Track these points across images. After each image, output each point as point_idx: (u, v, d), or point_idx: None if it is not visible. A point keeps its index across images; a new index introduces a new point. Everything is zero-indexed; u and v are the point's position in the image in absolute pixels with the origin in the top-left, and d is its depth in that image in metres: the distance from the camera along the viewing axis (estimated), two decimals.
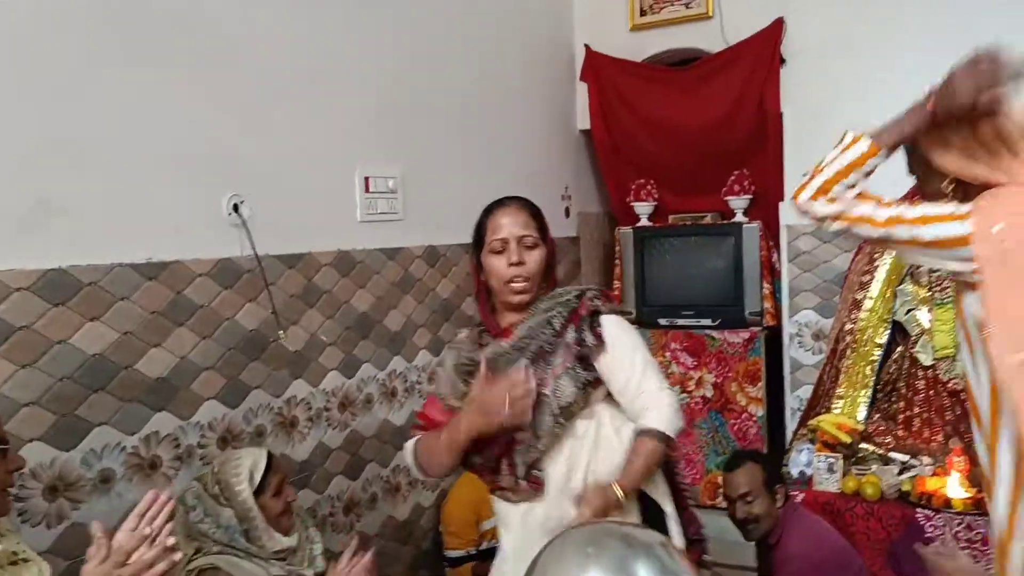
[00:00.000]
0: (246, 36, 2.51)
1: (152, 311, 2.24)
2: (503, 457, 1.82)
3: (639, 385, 1.78)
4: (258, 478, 2.02)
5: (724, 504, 3.35)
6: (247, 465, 2.03)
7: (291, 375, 2.65)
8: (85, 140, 2.10)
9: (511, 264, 1.81)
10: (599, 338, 1.80)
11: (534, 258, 1.84)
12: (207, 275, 2.39)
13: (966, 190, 1.57)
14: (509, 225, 1.83)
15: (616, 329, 1.83)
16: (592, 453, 1.80)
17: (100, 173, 2.13)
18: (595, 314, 1.82)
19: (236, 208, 2.46)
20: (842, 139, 1.65)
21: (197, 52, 2.37)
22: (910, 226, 1.52)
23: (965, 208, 1.48)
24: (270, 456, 2.11)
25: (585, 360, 1.79)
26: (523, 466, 1.80)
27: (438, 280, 3.27)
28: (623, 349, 1.80)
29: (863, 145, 1.60)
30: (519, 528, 1.84)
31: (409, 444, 1.92)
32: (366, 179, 2.94)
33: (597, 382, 1.81)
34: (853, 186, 1.59)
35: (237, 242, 2.48)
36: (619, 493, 1.69)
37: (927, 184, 1.68)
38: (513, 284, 1.82)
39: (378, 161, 3.00)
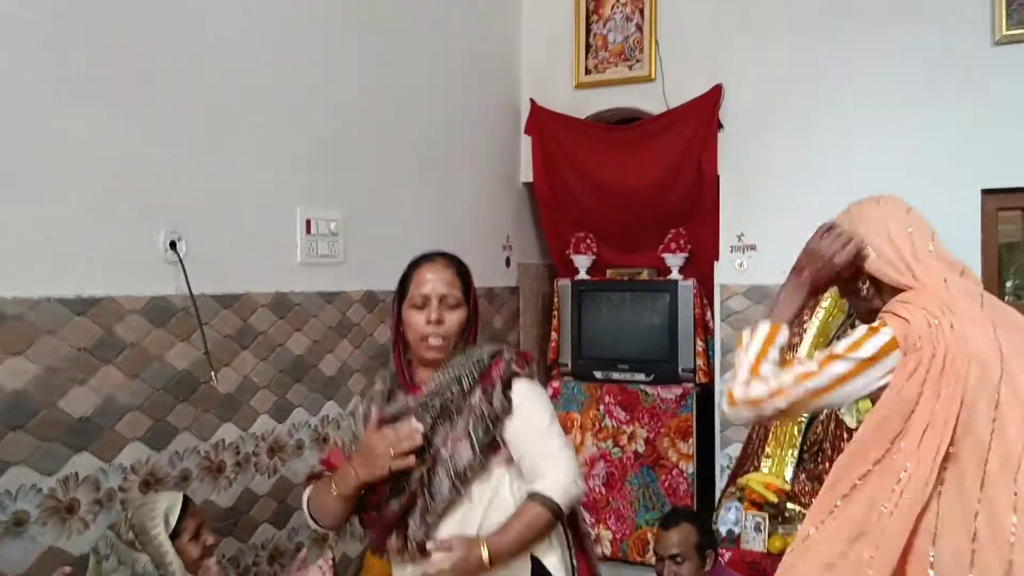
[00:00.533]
0: (190, 72, 2.49)
1: (79, 347, 2.17)
2: (399, 519, 1.74)
3: (541, 449, 1.73)
4: (174, 521, 1.96)
5: (653, 560, 3.36)
6: (162, 508, 1.97)
7: (220, 418, 2.58)
8: (17, 169, 2.04)
9: (429, 322, 1.77)
10: (509, 401, 1.75)
11: (454, 319, 1.79)
12: (139, 312, 2.33)
13: (879, 286, 1.71)
14: (433, 282, 1.79)
15: (528, 393, 1.78)
16: (485, 517, 1.73)
17: (31, 203, 2.07)
18: (511, 377, 1.78)
19: (173, 245, 2.42)
20: (749, 331, 1.72)
21: (139, 86, 2.34)
22: (845, 357, 1.59)
23: (876, 322, 1.61)
24: (186, 499, 2.06)
25: (490, 423, 1.73)
26: (418, 529, 1.71)
27: (376, 325, 3.25)
28: (530, 413, 1.76)
29: (764, 328, 1.69)
30: None
31: (306, 493, 1.85)
32: (308, 221, 2.92)
33: (497, 447, 1.75)
34: (776, 361, 1.66)
35: (172, 280, 2.43)
36: (484, 552, 1.63)
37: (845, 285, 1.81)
38: (429, 342, 1.78)
39: (321, 203, 2.98)
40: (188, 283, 2.43)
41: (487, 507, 1.74)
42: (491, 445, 1.74)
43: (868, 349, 1.58)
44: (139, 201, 2.34)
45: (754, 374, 1.64)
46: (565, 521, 1.84)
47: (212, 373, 2.49)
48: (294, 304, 2.87)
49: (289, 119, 2.85)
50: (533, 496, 1.69)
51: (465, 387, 1.76)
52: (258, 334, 2.72)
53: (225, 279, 2.60)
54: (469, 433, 1.72)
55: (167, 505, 1.99)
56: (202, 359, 2.48)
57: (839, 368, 1.60)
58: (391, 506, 1.73)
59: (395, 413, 1.77)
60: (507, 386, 1.77)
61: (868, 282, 1.73)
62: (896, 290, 1.67)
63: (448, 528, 1.72)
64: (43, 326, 2.09)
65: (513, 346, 1.88)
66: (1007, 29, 3.28)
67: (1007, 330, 1.60)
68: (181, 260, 2.43)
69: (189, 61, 2.49)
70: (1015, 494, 1.50)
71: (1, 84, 2.01)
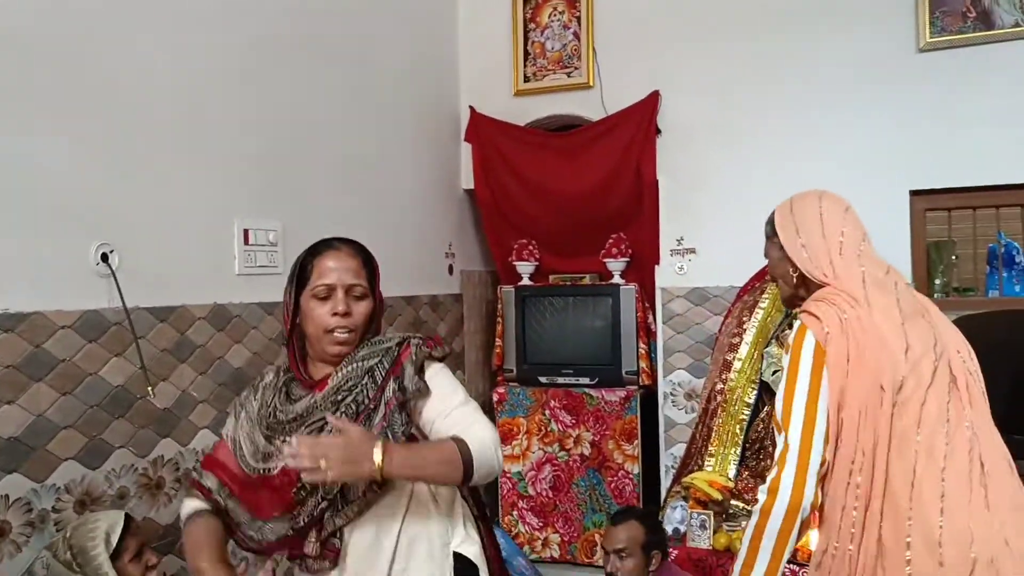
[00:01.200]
0: (122, 80, 2.44)
1: (7, 365, 2.10)
2: (313, 525, 1.64)
3: (462, 422, 1.64)
4: (115, 541, 1.91)
5: (601, 562, 3.38)
6: (103, 528, 1.92)
7: (159, 434, 2.52)
8: None
9: (335, 314, 1.66)
10: (425, 383, 1.68)
11: (361, 310, 1.70)
12: (70, 327, 2.26)
13: (804, 278, 1.85)
14: (339, 271, 1.69)
15: (441, 373, 1.72)
16: (405, 517, 1.68)
17: None
18: (423, 360, 1.71)
19: (105, 258, 2.35)
20: None
21: (69, 94, 2.28)
22: (797, 381, 1.70)
23: (794, 329, 1.76)
24: (128, 518, 2.00)
25: (407, 414, 1.66)
26: (325, 533, 1.64)
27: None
28: (447, 391, 1.70)
29: None
30: None
31: (183, 513, 1.73)
32: (245, 231, 2.88)
33: (415, 439, 1.68)
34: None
35: (105, 293, 2.36)
36: (378, 456, 1.47)
37: (776, 269, 1.94)
38: (336, 334, 1.67)
39: (259, 213, 2.94)
40: (122, 296, 2.37)
41: (405, 507, 1.69)
42: (409, 439, 1.66)
43: (805, 362, 1.69)
44: (68, 214, 2.28)
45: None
46: (472, 500, 1.86)
47: (149, 388, 2.43)
48: (233, 316, 2.82)
49: (225, 130, 2.80)
50: (451, 438, 1.60)
51: (378, 379, 1.66)
52: (196, 347, 2.66)
53: (161, 291, 2.54)
54: (385, 429, 1.62)
55: (108, 524, 1.93)
56: (138, 374, 2.42)
57: (801, 390, 1.68)
58: (305, 509, 1.63)
59: (301, 412, 1.67)
60: (420, 369, 1.69)
61: (796, 272, 1.85)
62: (817, 285, 1.80)
63: (363, 534, 1.65)
64: None
65: (436, 344, 1.81)
66: (930, 37, 3.40)
67: (916, 323, 1.71)
68: (114, 273, 2.37)
69: (121, 74, 2.43)
70: (913, 473, 1.62)
71: None
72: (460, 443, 1.59)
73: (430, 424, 1.68)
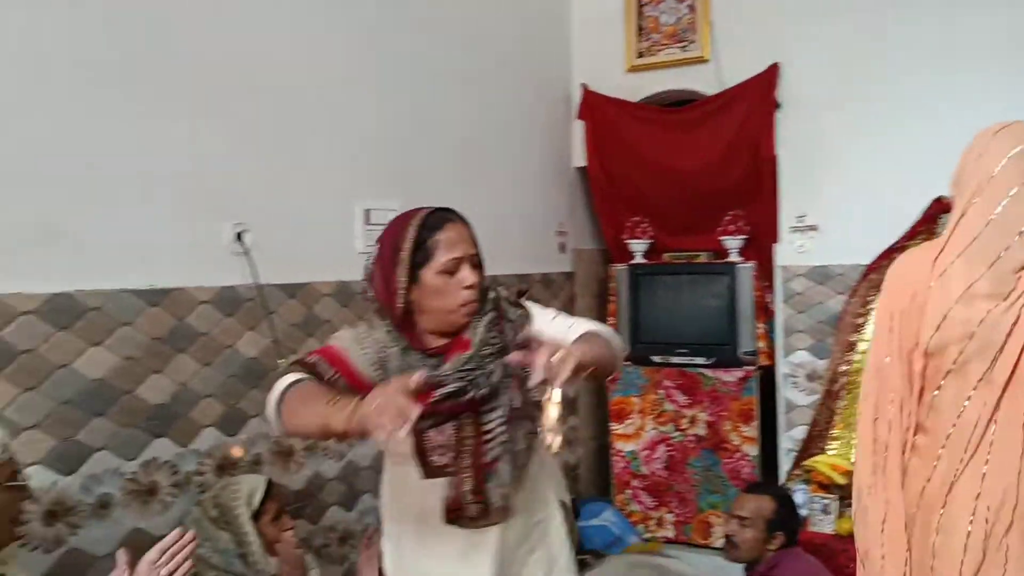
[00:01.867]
0: (253, 70, 2.55)
1: (154, 337, 2.25)
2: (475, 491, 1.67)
3: (562, 321, 1.73)
4: (256, 502, 2.02)
5: (718, 542, 3.34)
6: (246, 490, 2.04)
7: None
8: (90, 165, 2.12)
9: (467, 287, 1.65)
10: (525, 310, 1.74)
11: (479, 277, 1.69)
12: (209, 303, 2.40)
13: None
14: (463, 243, 1.67)
15: (534, 305, 1.80)
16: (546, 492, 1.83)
17: (105, 198, 2.15)
18: (513, 301, 1.77)
19: (239, 236, 2.48)
20: None
21: (205, 83, 2.41)
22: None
23: None
24: (269, 483, 2.12)
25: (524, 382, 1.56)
26: (497, 490, 1.67)
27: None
28: (540, 311, 1.78)
29: None
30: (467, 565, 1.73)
31: (281, 383, 1.61)
32: (367, 211, 2.96)
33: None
34: None
35: (239, 270, 2.49)
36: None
37: None
38: (468, 307, 1.66)
39: (379, 194, 3.02)
40: (255, 273, 2.49)
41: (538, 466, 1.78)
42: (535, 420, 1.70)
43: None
44: (207, 195, 2.41)
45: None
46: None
47: (280, 360, 2.54)
48: (355, 292, 2.91)
49: (346, 114, 2.89)
50: (589, 332, 1.65)
51: (506, 333, 1.69)
52: (322, 322, 2.77)
53: (290, 269, 2.66)
54: (516, 414, 1.66)
55: (251, 487, 2.05)
56: (270, 347, 2.55)
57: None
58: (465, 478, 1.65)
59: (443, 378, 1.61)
60: (517, 304, 1.76)
61: None
62: None
63: (518, 503, 1.72)
64: (119, 317, 2.17)
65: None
66: None
67: (982, 301, 1.54)
68: (248, 251, 2.49)
69: (255, 62, 2.55)
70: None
71: (76, 78, 2.09)
72: (602, 332, 1.69)
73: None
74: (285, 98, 2.66)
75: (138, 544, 2.11)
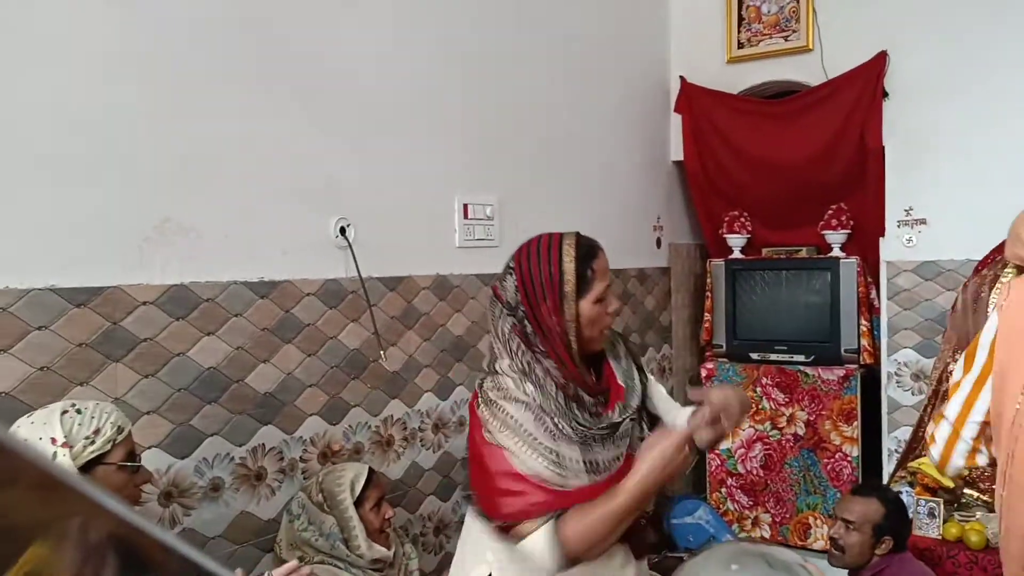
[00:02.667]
0: (355, 71, 2.63)
1: (263, 328, 2.35)
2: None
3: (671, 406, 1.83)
4: (359, 489, 2.09)
5: (816, 544, 3.27)
6: (349, 477, 2.11)
7: (388, 395, 2.72)
8: (207, 162, 2.22)
9: (610, 313, 1.67)
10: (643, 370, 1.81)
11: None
12: (314, 295, 2.49)
13: None
14: (608, 271, 1.70)
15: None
16: None
17: (219, 194, 2.25)
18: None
19: (343, 231, 2.56)
20: None
21: (311, 85, 2.49)
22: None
23: None
24: (371, 471, 2.18)
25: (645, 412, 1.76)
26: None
27: None
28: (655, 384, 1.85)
29: None
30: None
31: (543, 537, 1.48)
32: (464, 206, 3.01)
33: None
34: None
35: (343, 264, 2.57)
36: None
37: None
38: (607, 331, 1.70)
39: (476, 189, 3.07)
40: (357, 267, 2.57)
41: None
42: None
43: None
44: (313, 192, 2.50)
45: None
46: None
47: (381, 352, 2.62)
48: (453, 286, 2.97)
49: (443, 111, 2.94)
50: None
51: (638, 379, 1.76)
52: (421, 315, 2.83)
53: (390, 263, 2.73)
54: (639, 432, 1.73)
55: (354, 474, 2.12)
56: (371, 339, 2.62)
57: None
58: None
59: (615, 419, 1.65)
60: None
61: None
62: None
63: None
64: (231, 308, 2.27)
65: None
66: None
67: None
68: (351, 245, 2.57)
69: (358, 64, 2.63)
70: None
71: (197, 79, 2.19)
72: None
73: (657, 403, 1.82)
74: (385, 97, 2.72)
75: (246, 526, 2.23)
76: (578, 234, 1.70)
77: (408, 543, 2.29)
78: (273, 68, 2.38)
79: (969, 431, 1.66)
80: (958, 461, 1.69)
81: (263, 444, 2.33)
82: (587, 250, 1.68)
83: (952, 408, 1.70)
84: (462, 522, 2.93)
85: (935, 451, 1.72)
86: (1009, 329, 1.59)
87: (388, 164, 2.73)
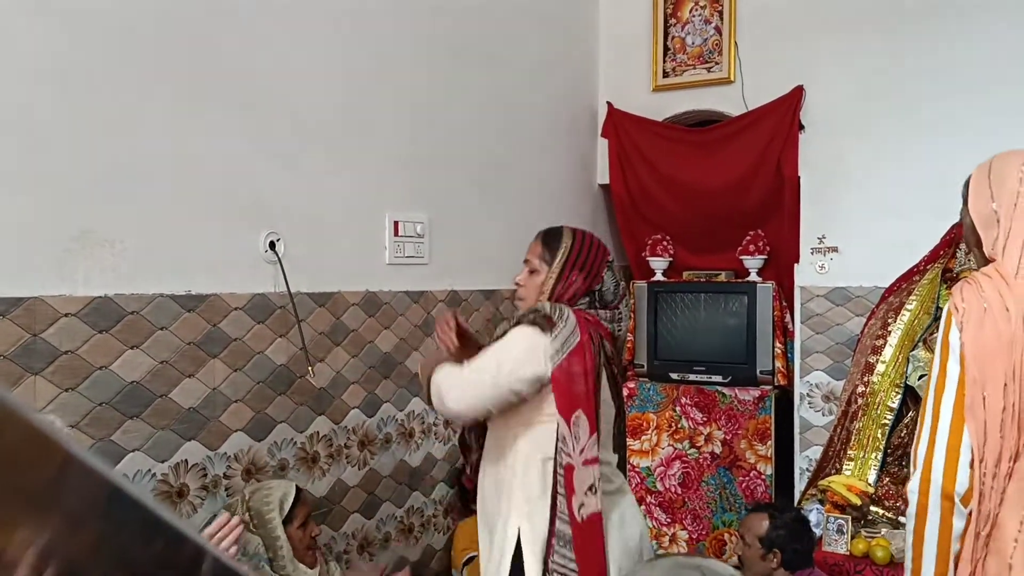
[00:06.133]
0: (289, 87, 2.62)
1: (189, 342, 2.31)
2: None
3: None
4: (287, 508, 2.07)
5: (731, 560, 3.37)
6: (277, 495, 2.08)
7: (315, 411, 2.70)
8: (133, 174, 2.18)
9: (515, 282, 2.16)
10: (501, 331, 2.08)
11: (531, 280, 2.11)
12: (242, 309, 2.46)
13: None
14: (528, 251, 2.15)
15: (516, 332, 1.99)
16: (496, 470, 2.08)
17: (146, 206, 2.22)
18: (518, 322, 2.00)
19: (272, 246, 2.54)
20: None
21: (243, 99, 2.48)
22: (947, 359, 1.60)
23: (944, 319, 1.63)
24: (298, 489, 2.16)
25: None
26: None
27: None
28: (499, 341, 2.02)
29: None
30: None
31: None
32: (395, 223, 3.02)
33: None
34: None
35: (271, 279, 2.55)
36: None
37: (969, 237, 1.79)
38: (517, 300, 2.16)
39: (407, 206, 3.09)
40: (287, 281, 2.55)
41: (495, 463, 2.05)
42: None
43: (939, 337, 1.61)
44: (243, 205, 2.48)
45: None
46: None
47: (308, 368, 2.61)
48: (383, 303, 2.97)
49: (376, 128, 2.96)
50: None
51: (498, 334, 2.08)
52: (350, 331, 2.83)
53: (319, 278, 2.72)
54: None
55: (282, 493, 2.10)
56: (299, 354, 2.60)
57: (934, 373, 1.61)
58: None
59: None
60: (516, 323, 2.02)
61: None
62: (986, 259, 1.66)
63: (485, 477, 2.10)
64: (157, 322, 2.23)
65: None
66: None
67: None
68: (280, 260, 2.55)
69: (286, 79, 2.62)
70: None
71: (121, 89, 2.15)
72: (443, 371, 2.01)
73: None
74: (318, 114, 2.73)
75: None
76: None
77: (332, 561, 2.28)
78: (205, 82, 2.36)
79: (964, 456, 1.55)
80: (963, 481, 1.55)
81: (186, 460, 2.29)
82: None
83: (941, 433, 1.57)
84: (386, 539, 2.94)
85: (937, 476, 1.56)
86: (977, 350, 1.55)
87: (319, 180, 2.73)
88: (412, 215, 3.10)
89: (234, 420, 2.43)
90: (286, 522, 2.06)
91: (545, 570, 1.88)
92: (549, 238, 2.13)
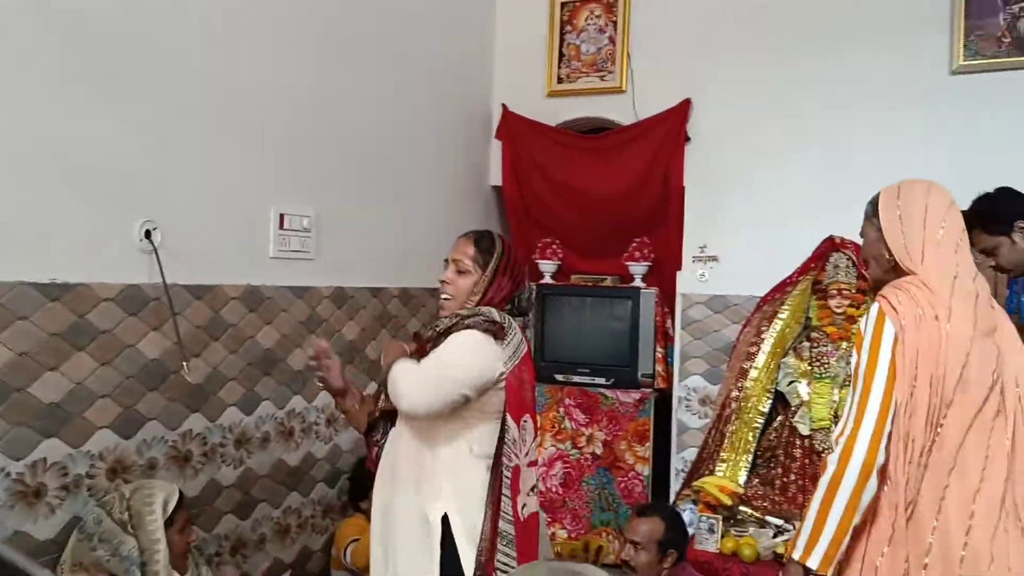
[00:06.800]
0: (170, 66, 2.51)
1: (52, 333, 2.18)
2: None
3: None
4: (170, 511, 1.99)
5: (608, 559, 3.44)
6: (160, 497, 2.00)
7: (189, 408, 2.60)
8: None
9: (440, 281, 2.13)
10: (442, 335, 2.04)
11: (461, 281, 2.09)
12: (112, 300, 2.34)
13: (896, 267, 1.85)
14: (454, 250, 2.14)
15: (459, 337, 2.00)
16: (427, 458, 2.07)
17: (7, 187, 2.08)
18: (453, 326, 2.01)
19: (148, 235, 2.43)
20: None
21: (119, 78, 2.36)
22: (861, 353, 1.75)
23: (875, 318, 1.76)
24: (180, 492, 2.08)
25: None
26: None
27: (344, 322, 3.28)
28: (444, 344, 2.01)
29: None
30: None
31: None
32: (281, 216, 2.95)
33: None
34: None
35: (146, 269, 2.44)
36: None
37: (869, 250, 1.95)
38: (440, 293, 2.13)
39: (294, 200, 3.01)
40: (162, 273, 2.45)
41: (426, 452, 2.03)
42: None
43: (886, 347, 1.71)
44: (116, 192, 2.36)
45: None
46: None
47: (183, 363, 2.50)
48: (265, 298, 2.89)
49: (266, 119, 2.87)
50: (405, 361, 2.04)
51: (442, 333, 2.04)
52: (229, 326, 2.74)
53: (198, 270, 2.62)
54: None
55: (165, 495, 2.01)
56: (173, 348, 2.50)
57: (881, 372, 1.72)
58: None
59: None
60: (455, 328, 2.02)
61: (891, 256, 1.83)
62: (906, 272, 1.80)
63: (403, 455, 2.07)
64: (17, 311, 2.10)
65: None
66: (963, 59, 3.43)
67: (983, 343, 1.73)
68: (156, 250, 2.44)
69: (170, 61, 2.51)
70: (945, 488, 1.68)
71: None
72: (400, 366, 2.01)
73: None
74: (205, 97, 2.63)
75: (20, 547, 2.05)
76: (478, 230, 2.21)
77: (204, 565, 2.20)
78: (77, 58, 2.24)
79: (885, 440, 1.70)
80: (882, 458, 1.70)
81: (44, 458, 2.16)
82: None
83: (871, 411, 1.70)
84: (261, 541, 2.86)
85: (857, 460, 1.69)
86: (912, 351, 1.69)
87: (202, 168, 2.63)
88: (299, 209, 3.03)
89: (100, 416, 2.31)
90: (166, 525, 1.97)
91: (481, 564, 1.94)
92: (483, 241, 2.13)
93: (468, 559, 1.95)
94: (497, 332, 2.01)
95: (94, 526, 1.96)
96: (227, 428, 2.74)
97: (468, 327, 2.00)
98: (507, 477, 1.99)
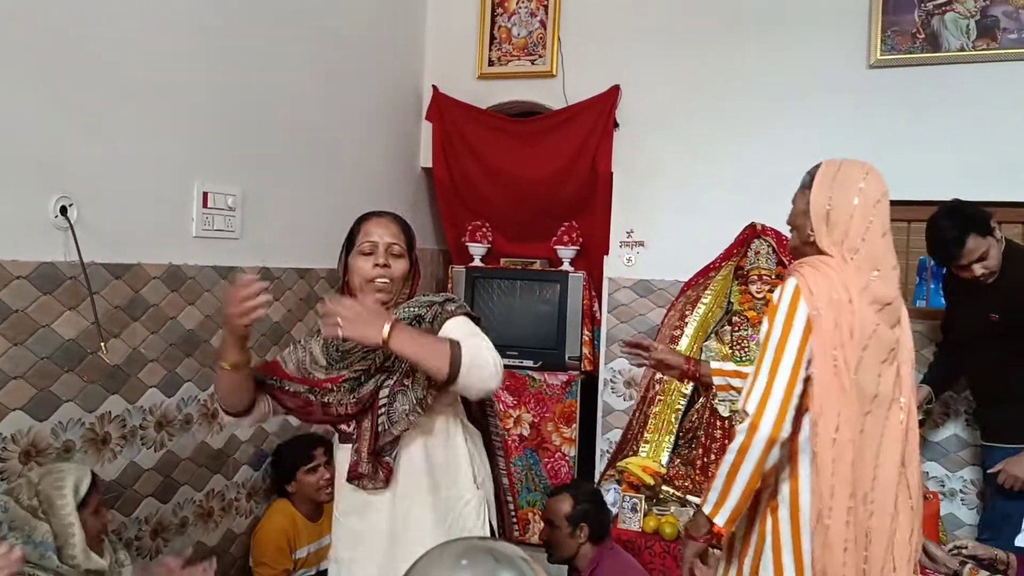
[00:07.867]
0: (89, 35, 2.42)
1: None
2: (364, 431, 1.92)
3: (464, 338, 1.83)
4: (83, 494, 1.93)
5: (533, 539, 3.50)
6: (71, 480, 1.94)
7: (107, 390, 2.53)
8: None
9: (376, 265, 1.93)
10: (447, 311, 1.95)
11: (398, 266, 1.97)
12: (25, 278, 2.26)
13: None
14: (380, 232, 1.97)
15: (455, 320, 1.94)
16: (437, 455, 1.97)
17: None
18: (446, 318, 1.94)
19: (64, 211, 2.35)
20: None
21: (33, 45, 2.26)
22: (773, 326, 1.81)
23: (791, 292, 1.82)
24: (93, 474, 2.03)
25: None
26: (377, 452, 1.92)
27: (270, 303, 3.23)
28: (455, 324, 1.92)
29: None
30: (363, 520, 1.98)
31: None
32: (204, 194, 2.88)
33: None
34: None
35: (62, 246, 2.36)
36: (387, 328, 1.71)
37: (796, 219, 2.00)
38: (376, 283, 1.93)
39: (218, 178, 2.94)
40: (79, 250, 2.37)
41: (441, 448, 1.96)
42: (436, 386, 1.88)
43: (799, 325, 1.77)
44: (29, 165, 2.26)
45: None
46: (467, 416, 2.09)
47: (101, 344, 2.44)
48: (188, 277, 2.83)
49: (189, 92, 2.79)
50: (453, 340, 1.80)
51: (426, 322, 1.92)
52: (149, 306, 2.67)
53: (118, 248, 2.54)
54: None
55: (76, 478, 1.95)
56: (91, 329, 2.43)
57: (774, 335, 1.78)
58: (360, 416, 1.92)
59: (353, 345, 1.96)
60: (443, 320, 1.93)
61: (813, 232, 1.88)
62: (819, 252, 1.86)
63: (412, 459, 1.95)
64: None
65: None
66: (881, 54, 3.55)
67: (885, 334, 1.82)
68: (72, 226, 2.36)
69: (88, 29, 2.41)
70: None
71: None
72: (456, 345, 1.77)
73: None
74: (125, 68, 2.54)
75: None
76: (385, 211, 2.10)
77: (122, 549, 2.15)
78: None
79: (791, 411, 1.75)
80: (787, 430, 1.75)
81: None
82: (366, 213, 2.08)
83: (779, 385, 1.75)
84: (183, 524, 2.81)
85: (763, 433, 1.73)
86: (830, 327, 1.75)
87: (121, 143, 2.55)
88: (224, 187, 2.96)
89: (12, 398, 2.23)
90: (80, 508, 1.92)
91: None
92: (405, 224, 2.07)
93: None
94: (476, 319, 1.99)
95: (1, 514, 1.90)
96: (147, 410, 2.68)
97: (453, 314, 1.94)
98: (498, 446, 2.18)
